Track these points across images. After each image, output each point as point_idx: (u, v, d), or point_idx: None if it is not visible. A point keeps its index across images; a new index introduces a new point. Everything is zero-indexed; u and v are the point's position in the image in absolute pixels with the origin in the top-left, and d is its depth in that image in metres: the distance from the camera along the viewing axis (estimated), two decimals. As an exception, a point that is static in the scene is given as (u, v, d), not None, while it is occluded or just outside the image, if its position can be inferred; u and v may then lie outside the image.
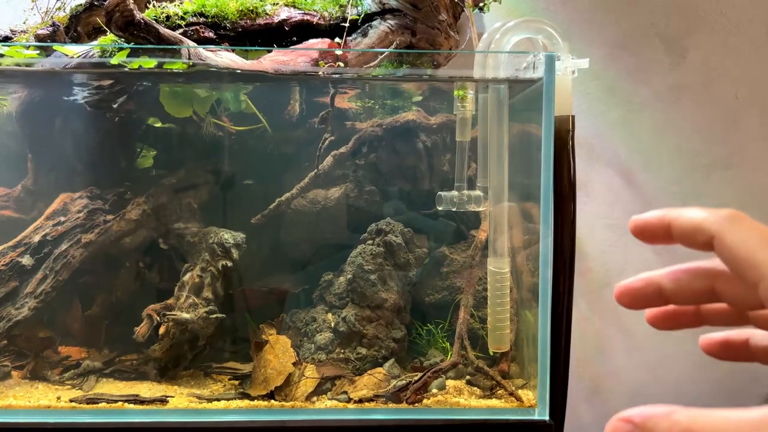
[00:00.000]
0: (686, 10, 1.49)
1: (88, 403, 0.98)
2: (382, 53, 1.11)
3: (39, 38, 1.17)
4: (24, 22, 1.30)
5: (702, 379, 1.58)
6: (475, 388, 1.07)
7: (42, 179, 1.20)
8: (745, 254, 0.32)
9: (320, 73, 1.08)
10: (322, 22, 1.19)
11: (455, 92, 1.07)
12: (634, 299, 0.39)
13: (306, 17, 1.18)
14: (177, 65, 1.04)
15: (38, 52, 1.10)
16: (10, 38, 1.23)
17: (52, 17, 1.30)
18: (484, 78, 1.04)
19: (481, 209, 1.11)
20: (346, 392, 1.04)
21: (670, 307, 0.40)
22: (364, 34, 1.17)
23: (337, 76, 1.10)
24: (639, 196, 1.54)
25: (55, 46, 1.11)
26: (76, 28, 1.22)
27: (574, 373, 1.09)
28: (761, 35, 1.49)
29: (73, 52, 1.10)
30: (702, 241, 0.34)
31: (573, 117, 1.03)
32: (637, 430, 0.30)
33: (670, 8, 1.49)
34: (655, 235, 0.37)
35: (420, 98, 1.25)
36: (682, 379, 1.57)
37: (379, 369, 1.07)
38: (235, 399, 1.02)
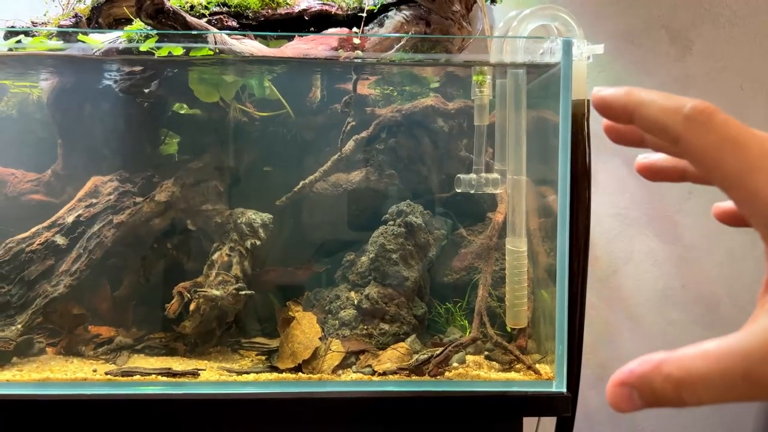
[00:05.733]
0: (691, 2, 1.50)
1: (123, 376, 1.00)
2: (398, 43, 1.14)
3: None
4: (45, 14, 1.31)
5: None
6: (494, 363, 1.09)
7: (71, 164, 1.21)
8: (711, 162, 0.31)
9: (341, 58, 1.11)
10: (340, 13, 1.21)
11: (474, 77, 1.10)
12: (619, 136, 0.38)
13: (325, 7, 1.21)
14: (203, 51, 1.06)
15: (62, 43, 1.12)
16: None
17: (73, 9, 1.32)
18: (503, 62, 1.07)
19: (498, 192, 1.13)
20: (370, 365, 1.06)
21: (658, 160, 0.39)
22: (381, 25, 1.20)
23: (358, 60, 1.13)
24: (645, 185, 1.53)
25: (80, 36, 1.11)
26: (98, 20, 1.22)
27: (581, 360, 1.11)
28: (765, 27, 1.50)
29: (98, 42, 1.11)
30: (667, 141, 0.32)
31: (588, 101, 1.06)
32: (635, 391, 0.29)
33: (675, 1, 1.49)
34: (618, 118, 0.34)
35: (437, 85, 1.27)
36: (687, 365, 1.59)
37: (401, 344, 1.10)
38: (264, 372, 1.04)
